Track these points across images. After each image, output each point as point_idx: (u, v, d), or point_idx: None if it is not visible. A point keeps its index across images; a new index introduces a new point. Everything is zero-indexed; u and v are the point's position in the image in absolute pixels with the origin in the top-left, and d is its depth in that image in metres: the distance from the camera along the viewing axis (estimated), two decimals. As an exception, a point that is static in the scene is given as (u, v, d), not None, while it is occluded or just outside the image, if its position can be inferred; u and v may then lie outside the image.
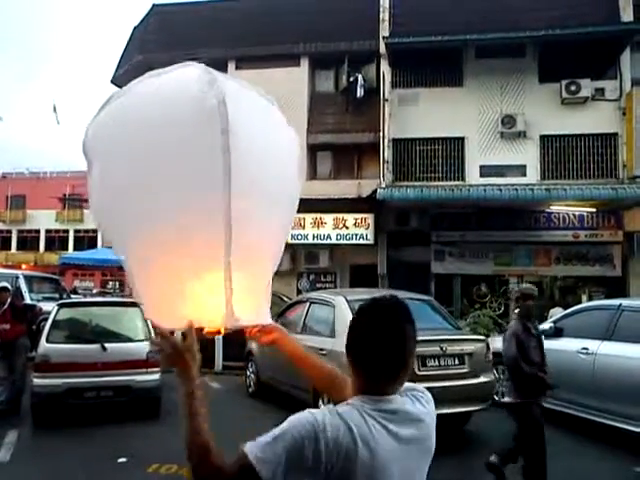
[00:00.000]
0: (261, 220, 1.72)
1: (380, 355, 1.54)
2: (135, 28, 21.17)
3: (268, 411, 8.75)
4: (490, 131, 16.64)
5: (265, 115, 1.90)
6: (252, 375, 9.78)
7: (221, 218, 1.58)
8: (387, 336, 1.55)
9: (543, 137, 16.36)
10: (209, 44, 19.01)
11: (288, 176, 1.93)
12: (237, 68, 19.22)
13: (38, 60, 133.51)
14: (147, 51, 19.68)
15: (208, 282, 1.63)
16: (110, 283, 34.37)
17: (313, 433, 1.43)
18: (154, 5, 20.75)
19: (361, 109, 17.92)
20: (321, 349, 7.32)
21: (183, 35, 19.41)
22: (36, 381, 8.01)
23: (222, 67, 19.06)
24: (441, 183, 16.39)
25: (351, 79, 18.03)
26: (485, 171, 16.45)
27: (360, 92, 17.59)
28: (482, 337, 8.13)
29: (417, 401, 1.66)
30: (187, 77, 1.75)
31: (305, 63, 18.90)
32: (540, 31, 15.56)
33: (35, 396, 8.05)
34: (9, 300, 9.04)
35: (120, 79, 21.45)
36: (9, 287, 9.51)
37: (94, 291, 28.99)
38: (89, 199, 1.82)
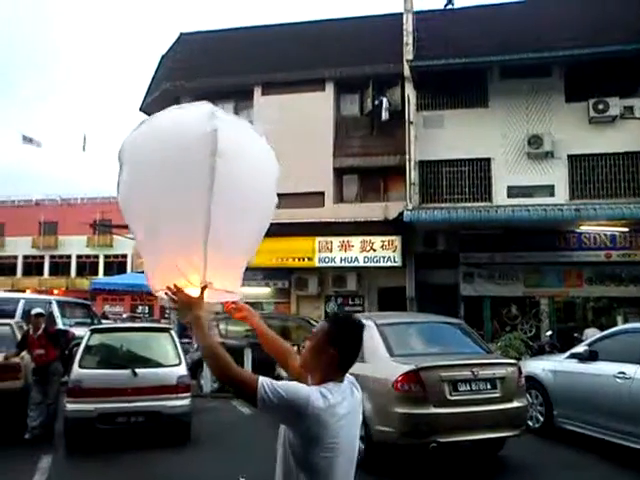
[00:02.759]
0: (236, 221, 2.38)
1: (354, 355, 2.30)
2: (163, 56, 21.64)
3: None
4: (517, 151, 16.57)
5: (252, 143, 2.60)
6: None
7: (203, 216, 2.25)
8: (359, 343, 2.31)
9: (571, 157, 16.23)
10: (235, 71, 19.36)
11: (265, 191, 2.71)
12: (263, 94, 19.51)
13: (66, 87, 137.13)
14: (175, 79, 20.09)
15: (192, 257, 2.29)
16: (140, 307, 34.79)
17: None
18: (181, 34, 21.21)
19: (386, 132, 18.00)
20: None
21: (210, 63, 19.79)
22: (69, 406, 8.08)
23: (248, 93, 19.43)
24: (468, 204, 16.33)
25: (376, 102, 18.16)
26: (513, 192, 16.35)
27: (385, 115, 17.69)
28: (514, 361, 8.00)
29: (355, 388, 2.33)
30: (197, 111, 2.41)
31: (330, 87, 19.09)
32: (566, 50, 15.52)
33: (68, 421, 8.13)
34: (43, 325, 9.20)
35: (149, 107, 21.87)
36: (44, 313, 9.67)
37: (124, 316, 29.30)
38: (118, 194, 2.50)
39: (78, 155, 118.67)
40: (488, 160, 16.78)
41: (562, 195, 16.08)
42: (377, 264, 16.96)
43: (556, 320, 16.15)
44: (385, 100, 17.86)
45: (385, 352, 7.12)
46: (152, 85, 21.44)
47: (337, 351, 2.23)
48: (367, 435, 6.78)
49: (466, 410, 6.60)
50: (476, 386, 6.74)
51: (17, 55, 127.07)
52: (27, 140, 52.80)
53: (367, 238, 17.05)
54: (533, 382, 8.64)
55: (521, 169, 16.46)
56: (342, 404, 2.17)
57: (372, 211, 17.49)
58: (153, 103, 21.32)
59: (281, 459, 2.22)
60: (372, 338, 7.38)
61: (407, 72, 17.17)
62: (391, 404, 6.57)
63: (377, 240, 16.96)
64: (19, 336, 9.55)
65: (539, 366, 9.10)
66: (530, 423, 8.37)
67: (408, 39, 17.34)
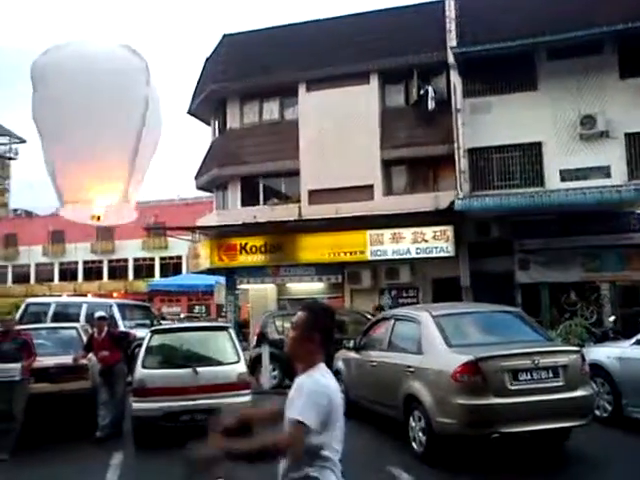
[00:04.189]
0: (151, 145, 2.83)
1: (332, 336, 2.66)
2: (207, 59, 21.93)
3: (357, 429, 8.74)
4: (568, 134, 16.10)
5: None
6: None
7: (133, 136, 2.67)
8: (333, 324, 2.72)
9: (628, 135, 15.66)
10: (279, 69, 19.48)
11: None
12: (308, 90, 19.57)
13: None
14: (220, 80, 20.36)
15: (116, 170, 2.65)
16: (196, 307, 35.48)
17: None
18: (224, 35, 21.44)
19: (433, 121, 17.79)
20: (409, 366, 7.29)
21: (253, 62, 19.95)
22: (135, 405, 8.36)
23: (293, 90, 19.55)
24: (520, 190, 15.98)
25: (421, 92, 17.95)
26: (566, 175, 15.91)
27: (431, 104, 17.49)
28: (576, 348, 7.81)
29: None
30: (115, 45, 2.87)
31: (374, 80, 18.99)
32: (618, 25, 14.96)
33: (135, 420, 8.41)
34: (106, 328, 9.52)
35: (196, 110, 22.30)
36: (106, 316, 10.01)
37: (181, 316, 29.94)
38: (35, 110, 2.85)
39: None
40: (539, 144, 16.38)
41: (619, 176, 15.54)
42: (430, 255, 16.80)
43: (618, 305, 15.66)
44: (430, 89, 17.64)
45: (442, 343, 7.08)
46: (198, 88, 21.78)
47: (319, 335, 2.57)
48: (428, 426, 6.77)
49: (528, 400, 6.49)
50: (537, 375, 6.62)
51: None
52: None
53: (418, 229, 16.90)
54: (598, 370, 8.41)
55: (574, 151, 15.99)
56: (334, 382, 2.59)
57: (422, 202, 17.31)
58: (200, 105, 21.72)
59: None
60: (428, 329, 7.36)
61: (451, 59, 16.91)
62: (451, 395, 6.53)
63: (429, 231, 16.80)
64: (85, 339, 9.92)
65: (604, 353, 8.86)
66: (597, 412, 8.17)
67: (451, 25, 17.07)
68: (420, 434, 6.98)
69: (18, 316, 14.39)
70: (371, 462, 6.91)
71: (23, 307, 16.11)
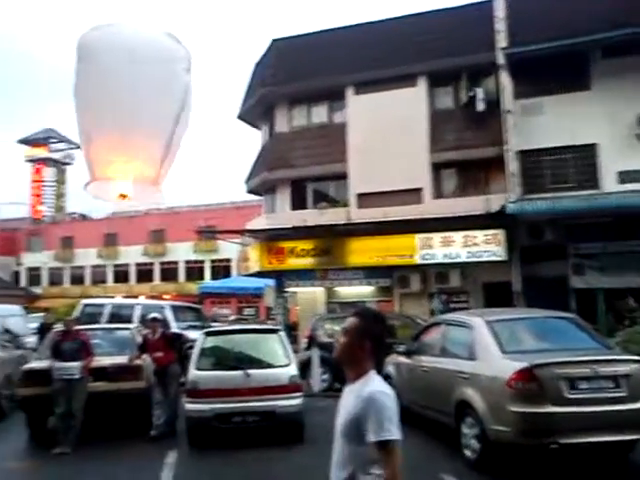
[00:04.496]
0: (183, 130, 3.09)
1: (384, 345, 2.62)
2: (257, 64, 22.19)
3: (408, 434, 8.68)
4: (625, 134, 15.64)
5: None
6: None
7: (172, 119, 2.88)
8: (385, 333, 2.64)
9: (692, 134, 15.09)
10: (327, 73, 19.55)
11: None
12: (356, 93, 19.59)
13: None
14: (269, 85, 20.56)
15: (154, 151, 2.74)
16: (246, 310, 35.84)
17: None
18: (273, 40, 21.65)
19: (483, 123, 17.54)
20: (461, 372, 7.21)
21: (302, 66, 20.10)
22: (188, 406, 8.52)
23: (341, 94, 19.61)
24: (574, 193, 15.61)
25: (470, 94, 17.73)
26: (625, 177, 15.44)
27: (481, 106, 17.25)
28: (639, 357, 7.54)
29: None
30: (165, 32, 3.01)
31: (422, 82, 18.85)
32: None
33: (188, 420, 8.56)
34: (160, 330, 9.73)
35: (246, 114, 22.58)
36: (160, 317, 10.23)
37: (231, 318, 30.30)
38: (74, 82, 2.93)
39: (180, 165, 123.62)
40: (593, 145, 15.95)
41: (681, 177, 14.99)
42: (480, 259, 16.56)
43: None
44: (480, 91, 17.39)
45: (497, 349, 6.96)
46: (248, 93, 22.06)
47: (371, 343, 2.53)
48: (481, 434, 6.67)
49: (588, 410, 6.29)
50: (597, 384, 6.43)
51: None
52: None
53: (469, 233, 16.69)
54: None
55: (632, 152, 15.51)
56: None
57: (473, 205, 17.07)
58: (250, 110, 21.99)
59: (348, 453, 2.48)
60: (482, 335, 7.26)
61: (501, 60, 16.64)
62: (506, 402, 6.42)
63: (479, 234, 16.57)
64: (139, 340, 10.16)
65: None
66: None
67: (500, 26, 16.80)
68: (473, 441, 6.89)
69: (75, 317, 14.82)
70: (423, 468, 6.85)
71: (80, 308, 16.58)
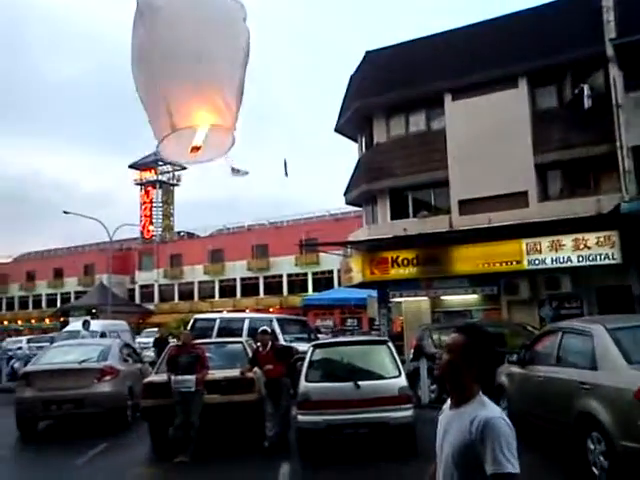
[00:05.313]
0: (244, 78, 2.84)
1: (493, 368, 2.47)
2: (352, 76, 22.37)
3: (524, 447, 8.36)
4: None
5: None
6: (505, 411, 9.41)
7: (240, 66, 2.71)
8: (495, 355, 2.47)
9: None
10: (423, 81, 19.41)
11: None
12: (454, 99, 19.30)
13: (267, 119, 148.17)
14: (365, 96, 20.68)
15: (229, 98, 2.61)
16: (348, 321, 35.99)
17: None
18: (367, 52, 21.76)
19: (590, 120, 16.72)
20: (582, 382, 6.85)
21: (397, 76, 20.06)
22: (300, 418, 8.62)
23: (438, 101, 19.37)
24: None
25: (576, 91, 16.98)
26: None
27: (588, 103, 16.45)
28: None
29: None
30: None
31: (523, 83, 18.29)
32: None
33: (300, 432, 8.67)
34: (270, 342, 9.94)
35: (343, 127, 22.80)
36: (269, 330, 10.45)
37: (335, 329, 30.53)
38: (137, 46, 2.80)
39: (281, 180, 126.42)
40: None
41: None
42: (593, 262, 15.72)
43: None
44: (586, 87, 16.60)
45: (621, 359, 6.54)
46: (344, 105, 22.27)
47: (478, 364, 2.32)
48: (610, 449, 6.28)
49: None
50: None
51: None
52: (235, 171, 57.87)
53: (579, 235, 15.91)
54: None
55: None
56: None
57: (582, 206, 16.29)
58: (346, 123, 22.19)
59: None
60: (604, 344, 6.86)
61: (610, 52, 15.83)
62: (636, 416, 6.00)
63: (591, 237, 15.75)
64: (250, 353, 10.43)
65: None
66: None
67: (609, 16, 15.99)
68: (601, 458, 6.47)
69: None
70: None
71: (191, 322, 17.27)
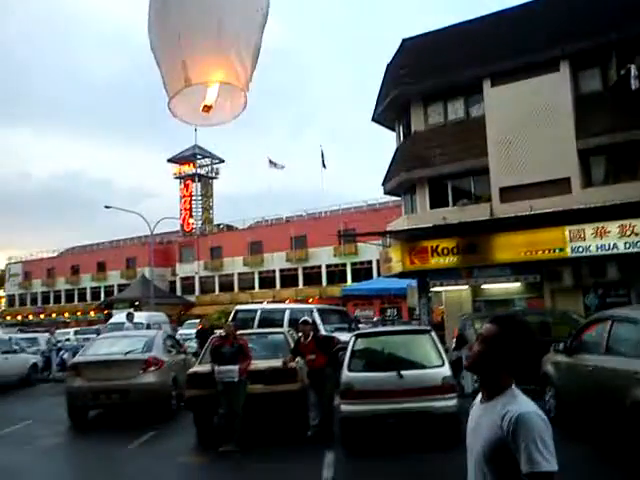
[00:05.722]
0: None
1: (526, 361, 2.23)
2: (388, 65, 22.17)
3: (573, 437, 8.24)
4: None
5: None
6: (551, 400, 9.30)
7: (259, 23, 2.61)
8: (531, 347, 2.25)
9: None
10: (461, 67, 19.12)
11: None
12: (493, 85, 18.98)
13: (307, 115, 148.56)
14: (402, 84, 20.48)
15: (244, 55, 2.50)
16: (388, 310, 35.93)
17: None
18: (403, 40, 21.53)
19: (637, 102, 16.21)
20: (636, 372, 6.69)
21: (434, 63, 19.82)
22: (343, 407, 8.64)
23: (477, 87, 19.07)
24: None
25: (622, 72, 16.48)
26: None
27: (635, 84, 15.94)
28: None
29: None
30: None
31: (565, 66, 17.85)
32: None
33: (344, 421, 8.70)
34: (312, 333, 9.97)
35: (380, 116, 22.65)
36: (310, 321, 10.49)
37: (374, 319, 30.48)
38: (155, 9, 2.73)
39: (319, 172, 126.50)
40: None
41: None
42: (641, 249, 15.31)
43: None
44: (633, 67, 16.09)
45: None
46: (381, 94, 22.11)
47: (511, 356, 2.19)
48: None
49: None
50: None
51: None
52: (272, 164, 58.17)
53: (626, 222, 15.48)
54: None
55: None
56: None
57: (628, 192, 15.83)
58: (384, 112, 22.03)
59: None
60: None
61: (659, 29, 15.32)
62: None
63: (638, 223, 15.32)
64: (291, 343, 10.50)
65: None
66: None
67: (656, -7, 15.47)
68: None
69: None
70: (598, 477, 6.45)
71: (233, 314, 17.43)
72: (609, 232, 15.70)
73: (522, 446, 2.02)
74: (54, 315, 65.11)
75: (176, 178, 65.62)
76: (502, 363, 2.19)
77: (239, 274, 55.41)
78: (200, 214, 64.36)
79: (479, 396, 2.33)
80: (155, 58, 2.68)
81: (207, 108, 2.68)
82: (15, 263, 75.78)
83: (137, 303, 45.61)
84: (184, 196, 64.21)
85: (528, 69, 17.98)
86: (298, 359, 9.85)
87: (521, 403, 2.13)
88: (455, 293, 19.30)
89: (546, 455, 2.00)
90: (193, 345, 19.28)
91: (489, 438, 2.14)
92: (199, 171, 64.72)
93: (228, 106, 2.78)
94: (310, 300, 42.17)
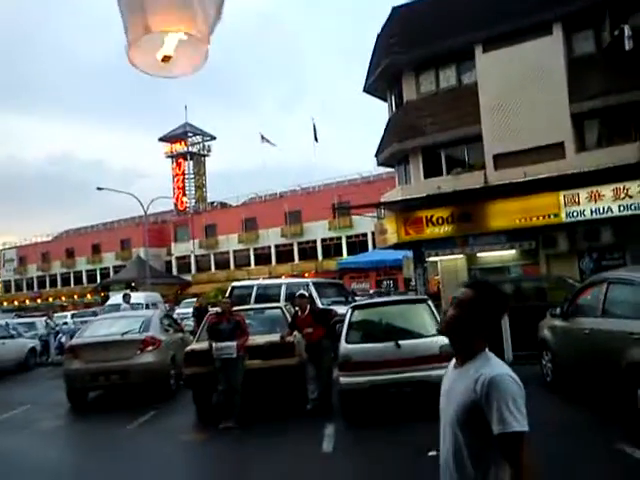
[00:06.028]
0: None
1: (499, 326, 2.51)
2: (379, 35, 21.83)
3: (572, 401, 8.26)
4: None
5: None
6: (548, 364, 9.30)
7: None
8: (504, 313, 2.31)
9: None
10: (452, 34, 18.82)
11: None
12: (484, 51, 18.74)
13: (298, 88, 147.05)
14: (393, 53, 20.19)
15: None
16: (384, 282, 36.01)
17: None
18: (393, 8, 21.16)
19: (631, 64, 16.01)
20: (631, 333, 6.67)
21: (425, 30, 19.52)
22: (342, 379, 8.62)
23: (469, 54, 18.81)
24: None
25: (615, 32, 16.25)
26: None
27: (629, 44, 15.71)
28: None
29: None
30: None
31: (558, 29, 17.61)
32: None
33: (343, 393, 8.70)
34: (308, 306, 9.93)
35: (372, 87, 22.39)
36: (306, 294, 10.45)
37: (371, 291, 30.55)
38: None
39: (311, 146, 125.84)
40: None
41: None
42: (635, 212, 15.27)
43: None
44: (627, 27, 15.84)
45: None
46: (372, 64, 21.81)
47: (485, 321, 2.21)
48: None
49: None
50: None
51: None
52: (264, 140, 57.71)
53: (620, 185, 15.44)
54: None
55: None
56: None
57: (622, 155, 15.75)
58: (375, 82, 21.77)
59: (468, 449, 2.13)
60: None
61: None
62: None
63: (633, 185, 15.27)
64: (289, 317, 10.45)
65: None
66: None
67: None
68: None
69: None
70: (594, 439, 6.46)
71: (229, 290, 17.38)
72: (603, 196, 15.67)
73: (494, 407, 2.02)
74: (51, 299, 65.13)
75: (168, 157, 65.22)
76: (477, 327, 2.20)
77: (234, 251, 55.37)
78: (193, 192, 64.13)
79: (452, 361, 2.33)
80: (118, 4, 2.54)
81: (166, 58, 2.54)
82: (9, 249, 75.57)
83: (133, 284, 45.58)
84: (177, 175, 63.88)
85: (520, 33, 17.73)
86: (296, 333, 9.81)
87: (494, 366, 2.13)
88: (451, 262, 19.28)
89: (517, 416, 2.00)
90: (190, 324, 19.28)
91: (463, 402, 2.13)
92: (191, 149, 64.32)
93: (189, 58, 2.61)
94: (306, 275, 42.17)
